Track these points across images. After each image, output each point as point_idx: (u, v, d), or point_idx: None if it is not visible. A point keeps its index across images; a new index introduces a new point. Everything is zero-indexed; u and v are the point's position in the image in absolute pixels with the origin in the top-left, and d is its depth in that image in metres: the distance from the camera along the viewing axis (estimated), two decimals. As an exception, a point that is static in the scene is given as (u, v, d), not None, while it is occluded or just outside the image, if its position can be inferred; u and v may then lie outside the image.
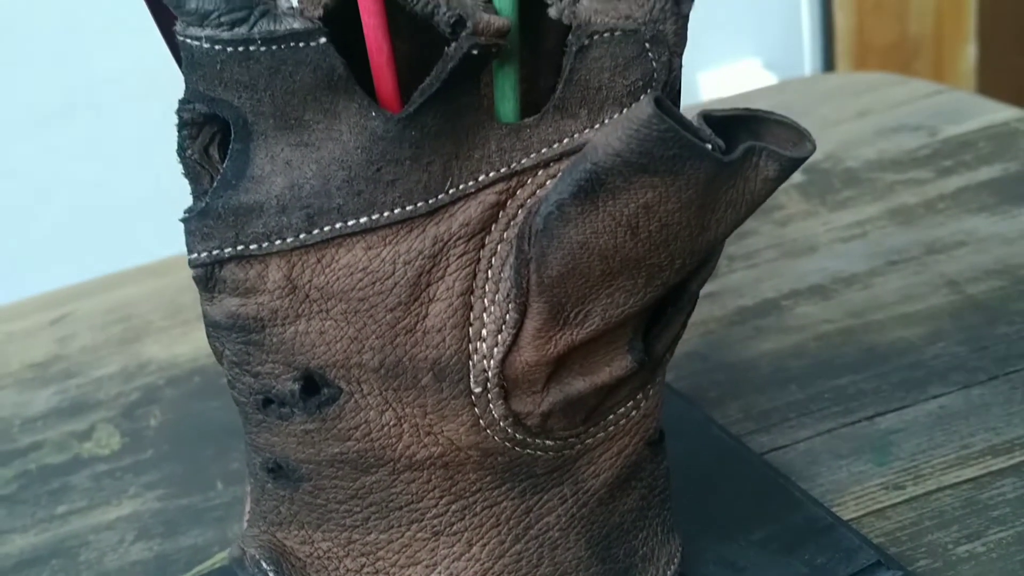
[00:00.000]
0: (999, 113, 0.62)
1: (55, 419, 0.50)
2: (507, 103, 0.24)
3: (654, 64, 0.24)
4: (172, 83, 0.25)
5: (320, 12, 0.23)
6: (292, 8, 0.23)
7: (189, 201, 0.24)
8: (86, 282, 0.66)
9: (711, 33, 1.25)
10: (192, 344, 0.55)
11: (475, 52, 0.22)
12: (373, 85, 0.24)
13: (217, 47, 0.22)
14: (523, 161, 0.24)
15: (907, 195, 0.55)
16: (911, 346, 0.43)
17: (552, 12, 0.23)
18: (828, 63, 1.33)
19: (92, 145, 1.13)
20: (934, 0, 1.28)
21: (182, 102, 0.24)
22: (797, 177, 0.60)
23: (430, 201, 0.24)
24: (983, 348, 0.42)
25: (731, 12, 1.27)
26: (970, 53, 1.28)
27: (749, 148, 0.23)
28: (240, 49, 0.22)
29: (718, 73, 1.30)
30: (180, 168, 0.24)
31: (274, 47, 0.22)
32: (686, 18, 0.24)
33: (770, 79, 1.30)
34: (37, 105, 1.11)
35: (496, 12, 0.23)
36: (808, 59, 1.32)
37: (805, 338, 0.45)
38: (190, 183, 0.24)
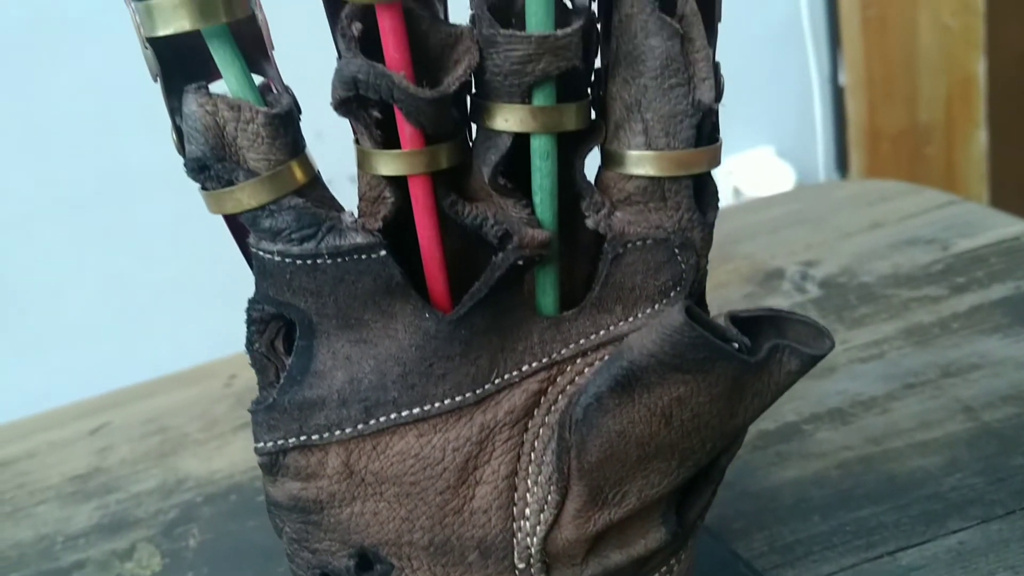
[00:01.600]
0: (1010, 227, 0.64)
1: (96, 537, 0.52)
2: (548, 298, 0.26)
3: (683, 266, 0.26)
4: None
5: (379, 224, 0.25)
6: (355, 221, 0.25)
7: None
8: (122, 389, 0.68)
9: (726, 122, 1.27)
10: (228, 459, 0.57)
11: (520, 263, 0.25)
12: (426, 283, 0.26)
13: (287, 260, 0.24)
14: (563, 351, 0.26)
15: (922, 313, 0.57)
16: (929, 476, 0.45)
17: (589, 223, 0.25)
18: (840, 151, 1.36)
19: (122, 235, 1.16)
20: (944, 87, 1.31)
21: (251, 302, 0.26)
22: (815, 292, 0.62)
23: (477, 391, 0.26)
24: (1000, 480, 0.43)
25: (745, 102, 1.30)
26: (981, 139, 1.31)
27: (773, 347, 0.25)
28: (308, 262, 0.24)
29: (733, 161, 1.33)
30: (249, 360, 0.26)
31: (339, 260, 0.24)
32: (711, 225, 0.26)
33: (783, 167, 1.32)
34: (68, 196, 1.14)
35: (539, 223, 0.25)
36: (821, 147, 1.35)
37: (827, 465, 0.46)
38: (257, 375, 0.26)
